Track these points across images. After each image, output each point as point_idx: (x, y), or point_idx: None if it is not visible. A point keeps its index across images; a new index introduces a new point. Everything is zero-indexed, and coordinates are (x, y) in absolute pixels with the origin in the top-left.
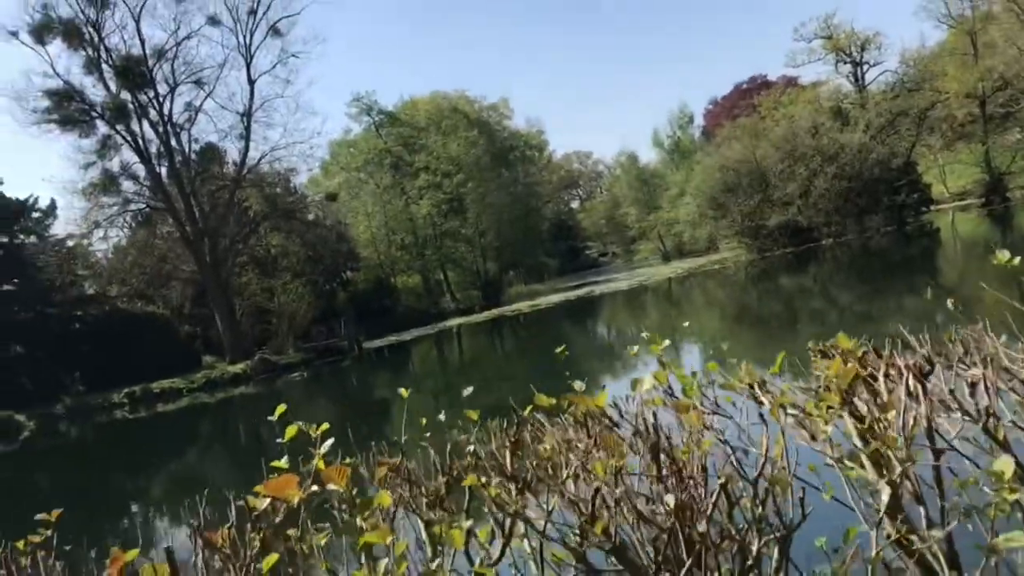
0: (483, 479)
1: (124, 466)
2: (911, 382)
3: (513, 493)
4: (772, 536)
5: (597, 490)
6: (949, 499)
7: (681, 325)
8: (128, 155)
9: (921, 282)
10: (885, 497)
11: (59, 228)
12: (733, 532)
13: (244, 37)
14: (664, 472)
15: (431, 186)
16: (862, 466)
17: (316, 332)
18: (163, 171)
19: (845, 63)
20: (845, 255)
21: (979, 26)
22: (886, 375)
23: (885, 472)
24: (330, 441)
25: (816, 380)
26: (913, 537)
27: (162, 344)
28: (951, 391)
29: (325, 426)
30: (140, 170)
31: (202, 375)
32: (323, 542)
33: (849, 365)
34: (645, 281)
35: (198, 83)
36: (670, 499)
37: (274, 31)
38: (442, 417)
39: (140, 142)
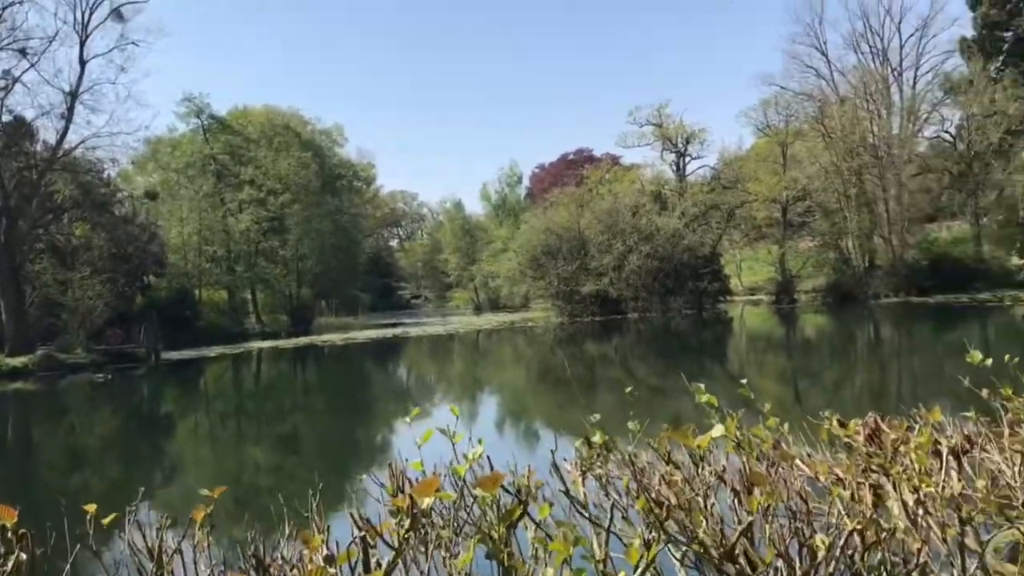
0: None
1: None
2: (949, 459)
3: (663, 514)
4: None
5: (751, 524)
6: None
7: (496, 377)
8: None
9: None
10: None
11: None
12: (863, 571)
13: (83, 14)
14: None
15: (254, 201)
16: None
17: (110, 334)
18: None
19: (670, 152)
20: (647, 330)
21: (790, 139)
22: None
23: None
24: None
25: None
26: None
27: None
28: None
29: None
30: None
31: None
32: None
33: (924, 439)
34: (459, 329)
35: (22, 52)
36: (825, 539)
37: (116, 14)
38: None
39: None
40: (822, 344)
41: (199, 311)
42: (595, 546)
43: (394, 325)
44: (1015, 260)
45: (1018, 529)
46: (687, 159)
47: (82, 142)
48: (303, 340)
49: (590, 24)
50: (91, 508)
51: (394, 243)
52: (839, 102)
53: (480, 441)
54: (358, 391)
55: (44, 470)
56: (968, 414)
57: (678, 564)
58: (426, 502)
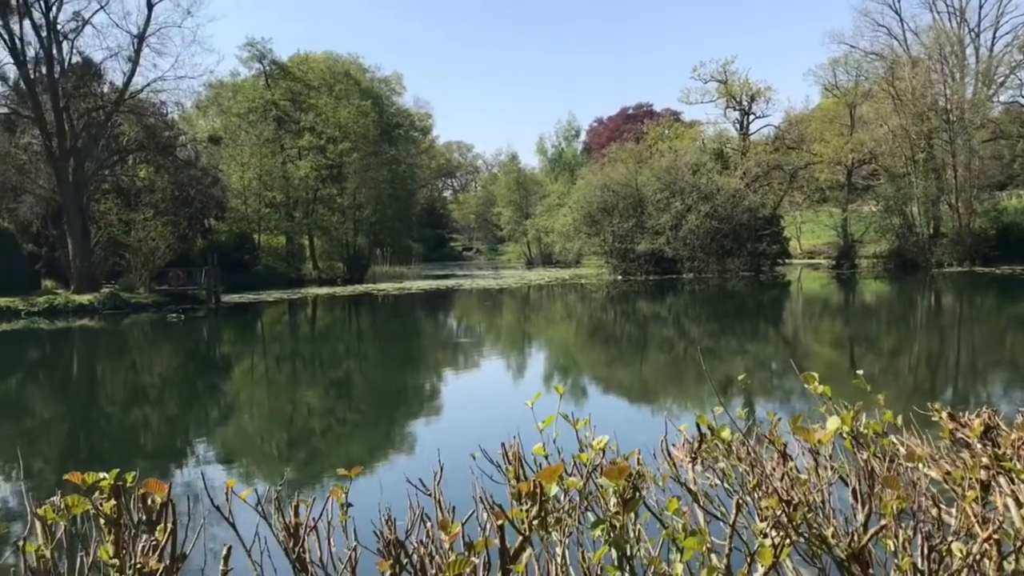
0: None
1: None
2: None
3: (792, 512)
4: None
5: (884, 527)
6: None
7: (547, 332)
8: (1, 54)
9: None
10: None
11: None
12: None
13: None
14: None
15: (314, 148)
16: None
17: (172, 275)
18: (37, 78)
19: (734, 110)
20: (702, 291)
21: (858, 100)
22: None
23: None
24: None
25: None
26: None
27: (1, 260)
28: None
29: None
30: (11, 72)
31: (44, 299)
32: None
33: None
34: (511, 284)
35: None
36: (962, 547)
37: None
38: None
39: (17, 43)
40: (880, 311)
41: (258, 256)
42: (708, 534)
43: (447, 276)
44: None
45: None
46: (751, 117)
47: (148, 85)
48: (358, 288)
49: None
50: (231, 483)
51: (448, 194)
52: (911, 63)
53: (587, 422)
54: (411, 340)
55: (107, 405)
56: None
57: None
58: (553, 489)
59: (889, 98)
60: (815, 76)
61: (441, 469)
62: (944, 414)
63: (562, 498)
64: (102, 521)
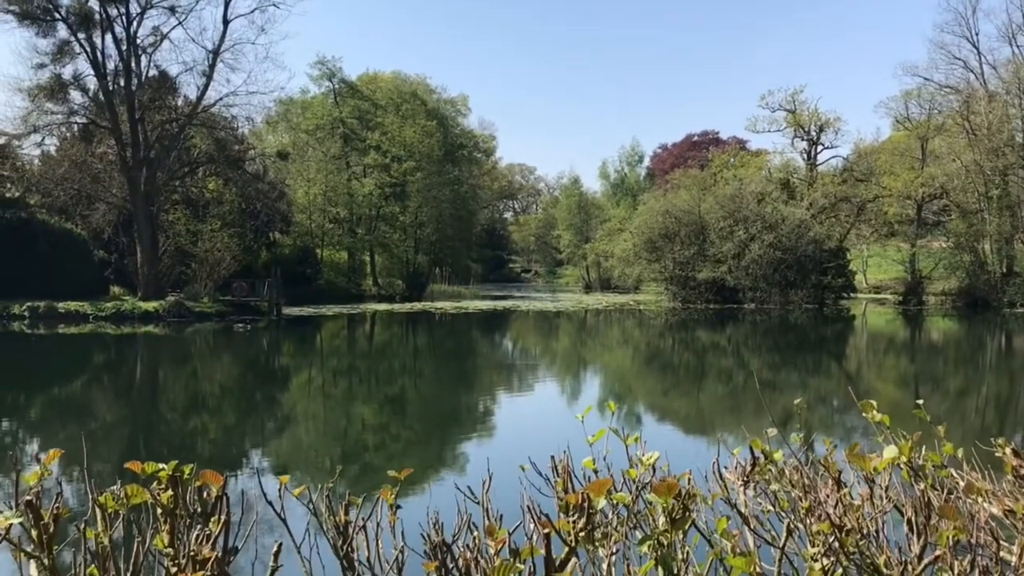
0: None
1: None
2: None
3: (844, 538)
4: None
5: (939, 557)
6: None
7: (601, 357)
8: (83, 66)
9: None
10: None
11: None
12: None
13: None
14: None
15: (379, 166)
16: None
17: (236, 286)
18: (115, 90)
19: (802, 139)
20: (763, 323)
21: (931, 134)
22: None
23: None
24: None
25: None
26: None
27: (73, 264)
28: None
29: None
30: (91, 83)
31: (112, 305)
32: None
33: None
34: (568, 307)
35: (171, 9)
36: None
37: None
38: None
39: (98, 55)
40: (948, 349)
41: (320, 270)
42: (756, 558)
43: (504, 297)
44: None
45: None
46: (819, 148)
47: (221, 99)
48: (417, 305)
49: (729, 5)
50: (284, 479)
51: (508, 216)
52: (987, 97)
53: (637, 439)
54: (467, 359)
55: (167, 411)
56: None
57: None
58: (601, 502)
59: (963, 132)
60: (886, 108)
61: (490, 478)
62: (1008, 450)
63: (610, 513)
64: (159, 511)
